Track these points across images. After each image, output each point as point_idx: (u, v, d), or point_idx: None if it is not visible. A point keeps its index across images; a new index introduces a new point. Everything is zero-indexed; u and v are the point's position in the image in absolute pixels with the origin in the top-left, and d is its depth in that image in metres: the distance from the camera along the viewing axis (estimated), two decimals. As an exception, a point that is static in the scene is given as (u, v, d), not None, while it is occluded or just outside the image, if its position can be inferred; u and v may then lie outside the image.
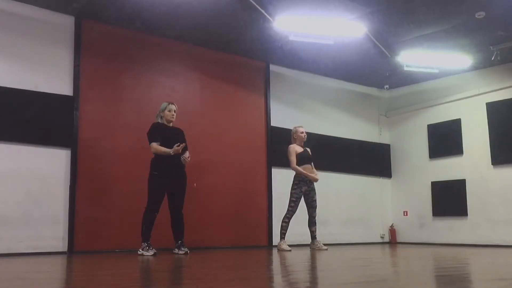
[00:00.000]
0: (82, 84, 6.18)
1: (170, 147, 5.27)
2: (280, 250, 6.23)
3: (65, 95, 6.06)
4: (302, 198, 6.52)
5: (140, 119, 6.40)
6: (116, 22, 6.44)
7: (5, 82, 5.68)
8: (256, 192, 7.52)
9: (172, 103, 5.55)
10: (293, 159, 6.47)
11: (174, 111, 5.50)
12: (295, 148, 6.55)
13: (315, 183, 6.65)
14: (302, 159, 6.53)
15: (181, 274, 3.55)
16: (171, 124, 5.54)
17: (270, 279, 3.24)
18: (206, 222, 6.90)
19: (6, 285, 2.82)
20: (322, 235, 7.86)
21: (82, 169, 6.02)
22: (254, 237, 7.34)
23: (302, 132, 6.62)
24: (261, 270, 3.90)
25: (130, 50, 6.68)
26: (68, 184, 5.93)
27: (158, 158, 5.35)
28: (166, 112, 5.47)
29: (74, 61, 6.17)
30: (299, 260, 4.93)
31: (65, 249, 5.82)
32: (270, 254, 5.77)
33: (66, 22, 6.19)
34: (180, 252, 5.46)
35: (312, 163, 6.69)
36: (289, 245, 6.56)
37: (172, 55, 7.02)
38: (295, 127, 6.72)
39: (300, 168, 6.47)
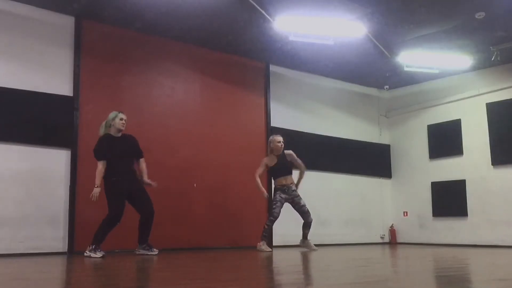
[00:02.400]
0: (82, 84, 6.18)
1: (119, 160, 5.26)
2: (259, 250, 6.20)
3: (65, 96, 6.06)
4: (291, 207, 6.47)
5: (140, 119, 6.41)
6: (116, 22, 6.45)
7: (5, 82, 5.68)
8: (256, 192, 7.50)
9: (122, 112, 5.41)
10: (258, 170, 6.39)
11: (125, 120, 5.38)
12: (266, 162, 6.46)
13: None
14: (276, 171, 6.45)
15: (181, 274, 3.55)
16: (120, 134, 5.40)
17: (270, 279, 3.24)
18: (206, 222, 6.90)
19: (6, 286, 2.82)
20: (322, 235, 7.88)
21: (82, 169, 6.02)
22: (254, 237, 7.32)
23: (279, 142, 6.44)
24: (260, 270, 3.90)
25: (130, 50, 6.68)
26: (68, 184, 5.94)
27: (111, 168, 5.26)
28: (117, 120, 5.33)
29: (74, 62, 6.17)
30: (298, 260, 4.93)
31: (65, 249, 5.82)
32: (270, 254, 5.76)
33: (66, 22, 6.19)
34: (152, 252, 5.47)
35: (300, 167, 6.57)
36: (287, 246, 6.56)
37: (172, 56, 7.02)
38: (272, 136, 6.58)
39: (256, 181, 6.35)
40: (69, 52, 6.17)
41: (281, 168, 6.47)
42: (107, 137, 5.33)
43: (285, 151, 6.52)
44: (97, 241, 5.11)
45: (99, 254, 5.02)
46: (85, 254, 5.11)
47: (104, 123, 5.41)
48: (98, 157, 5.26)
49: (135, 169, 5.49)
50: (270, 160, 6.48)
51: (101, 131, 5.39)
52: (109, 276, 3.49)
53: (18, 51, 5.84)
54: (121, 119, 5.36)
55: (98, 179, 5.21)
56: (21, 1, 5.86)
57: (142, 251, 5.46)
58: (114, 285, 2.94)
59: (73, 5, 5.97)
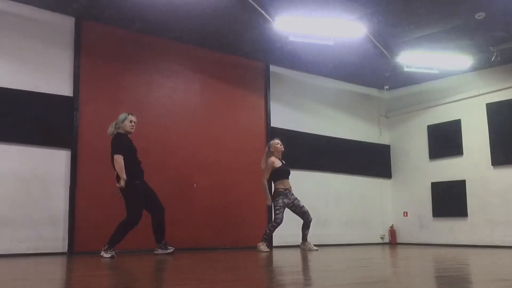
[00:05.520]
0: (82, 84, 6.18)
1: (135, 160, 5.26)
2: (258, 251, 6.20)
3: (65, 96, 6.07)
4: (290, 211, 6.48)
5: (140, 119, 6.38)
6: (116, 23, 6.45)
7: (5, 83, 5.68)
8: (256, 193, 7.51)
9: (132, 114, 5.37)
10: (265, 174, 6.43)
11: (134, 122, 5.34)
12: (275, 163, 6.44)
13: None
14: (281, 174, 6.46)
15: (181, 274, 3.55)
16: (129, 135, 5.38)
17: (270, 279, 3.24)
18: (206, 222, 6.90)
19: (6, 286, 2.82)
20: (322, 235, 7.88)
21: (82, 169, 6.02)
22: (254, 237, 7.32)
23: (278, 143, 6.51)
24: (261, 270, 3.91)
25: (130, 51, 6.68)
26: (68, 184, 5.94)
27: (132, 169, 5.23)
28: (127, 122, 5.26)
29: (74, 62, 6.17)
30: (299, 260, 4.93)
31: (65, 249, 5.82)
32: (270, 254, 5.77)
33: (66, 23, 6.19)
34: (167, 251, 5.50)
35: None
36: (290, 246, 6.56)
37: (172, 56, 7.02)
38: (270, 142, 6.62)
39: (265, 185, 6.41)
40: (69, 52, 6.17)
41: (285, 170, 6.51)
42: (124, 135, 5.29)
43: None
44: (112, 243, 5.11)
45: (108, 255, 5.03)
46: (100, 253, 5.11)
47: (114, 123, 5.35)
48: (122, 151, 5.14)
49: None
50: (277, 162, 6.48)
51: (110, 131, 5.32)
52: (109, 277, 3.49)
53: (18, 51, 5.84)
54: (131, 121, 5.31)
55: (124, 173, 5.07)
56: (21, 1, 5.86)
57: (160, 251, 5.47)
58: (114, 285, 2.94)
59: (73, 5, 5.97)
